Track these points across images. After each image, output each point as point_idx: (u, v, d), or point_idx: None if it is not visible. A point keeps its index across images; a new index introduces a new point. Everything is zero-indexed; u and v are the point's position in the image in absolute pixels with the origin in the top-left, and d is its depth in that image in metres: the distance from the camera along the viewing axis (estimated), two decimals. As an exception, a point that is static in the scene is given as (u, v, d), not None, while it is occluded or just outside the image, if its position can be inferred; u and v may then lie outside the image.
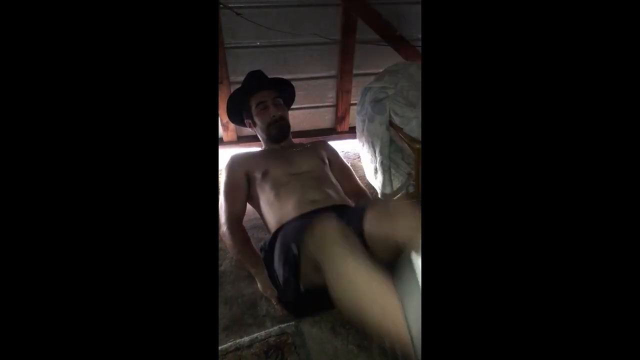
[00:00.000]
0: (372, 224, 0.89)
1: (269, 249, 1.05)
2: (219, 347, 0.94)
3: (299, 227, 0.89)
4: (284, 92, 1.48)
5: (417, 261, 0.72)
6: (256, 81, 1.41)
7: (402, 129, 1.39)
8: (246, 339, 0.96)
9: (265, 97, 1.37)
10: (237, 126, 1.83)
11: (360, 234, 0.89)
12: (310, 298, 0.90)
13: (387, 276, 0.72)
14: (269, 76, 1.45)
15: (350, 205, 1.19)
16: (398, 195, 1.54)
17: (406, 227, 0.80)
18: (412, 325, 0.65)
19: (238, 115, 1.47)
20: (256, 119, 1.38)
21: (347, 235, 0.78)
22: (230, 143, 1.87)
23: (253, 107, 1.38)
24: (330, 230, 0.79)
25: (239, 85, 1.48)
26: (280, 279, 0.97)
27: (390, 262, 0.80)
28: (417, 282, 0.69)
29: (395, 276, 0.74)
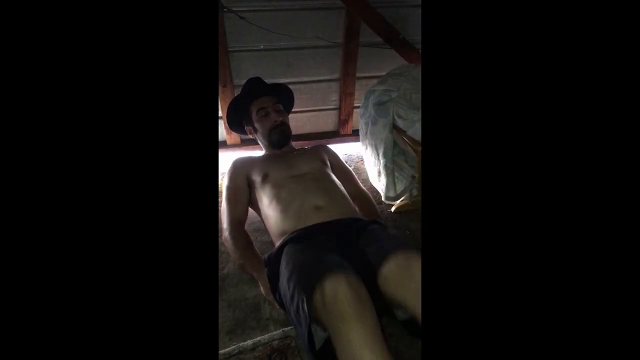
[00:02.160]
0: (386, 285, 0.85)
1: (274, 264, 1.00)
2: (222, 351, 0.94)
3: (309, 277, 0.81)
4: (284, 97, 1.48)
5: None
6: (256, 87, 1.41)
7: (405, 131, 1.39)
8: (249, 342, 0.96)
9: (265, 103, 1.37)
10: (240, 129, 1.85)
11: (373, 284, 0.85)
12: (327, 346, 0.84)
13: (392, 355, 0.71)
14: (273, 79, 1.46)
15: (355, 212, 1.17)
16: (402, 199, 1.54)
17: (420, 298, 0.76)
18: None
19: (238, 123, 1.47)
20: (257, 125, 1.39)
21: (358, 299, 0.74)
22: (234, 146, 1.88)
23: (254, 114, 1.39)
24: (340, 295, 0.73)
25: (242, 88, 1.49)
26: (296, 327, 0.90)
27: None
28: None
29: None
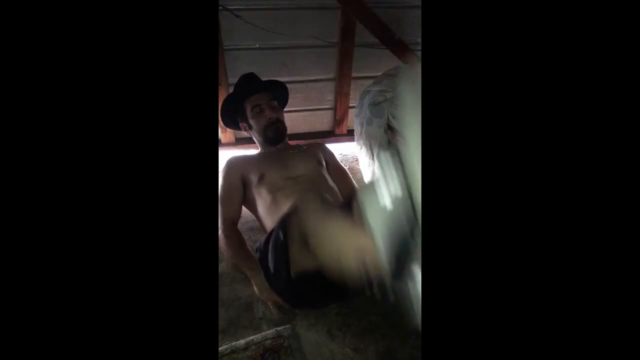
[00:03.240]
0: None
1: (264, 249, 1.04)
2: (215, 350, 0.93)
3: (285, 215, 0.92)
4: (278, 94, 1.47)
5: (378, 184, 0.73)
6: (250, 84, 1.40)
7: (400, 132, 1.39)
8: (242, 341, 0.96)
9: (260, 100, 1.37)
10: (235, 128, 1.84)
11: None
12: (302, 285, 0.92)
13: (363, 225, 0.75)
14: (268, 78, 1.45)
15: None
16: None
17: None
18: (377, 237, 0.67)
19: (232, 119, 1.46)
20: (252, 122, 1.38)
21: (325, 201, 0.84)
22: (228, 145, 1.87)
23: (248, 110, 1.38)
24: (311, 201, 0.84)
25: (237, 87, 1.48)
26: (271, 268, 0.98)
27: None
28: (379, 202, 0.70)
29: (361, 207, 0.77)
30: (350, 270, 0.73)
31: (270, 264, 0.99)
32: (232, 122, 1.48)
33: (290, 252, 0.90)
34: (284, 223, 0.91)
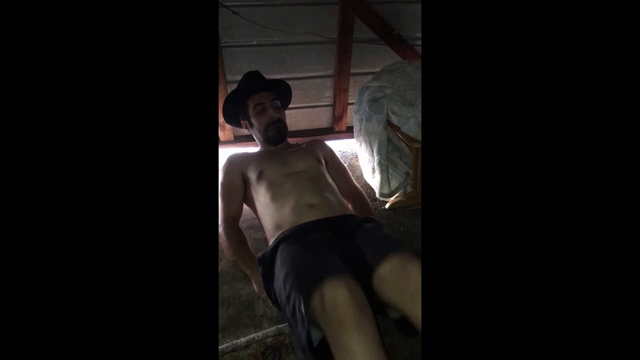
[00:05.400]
0: (382, 286, 0.85)
1: (268, 263, 0.99)
2: (216, 348, 0.93)
3: (307, 279, 0.81)
4: (282, 93, 1.46)
5: None
6: (254, 82, 1.39)
7: (399, 128, 1.39)
8: (243, 339, 0.96)
9: (263, 99, 1.36)
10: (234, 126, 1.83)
11: (369, 285, 0.86)
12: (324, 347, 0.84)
13: (388, 357, 0.71)
14: (266, 75, 1.44)
15: (348, 210, 1.17)
16: (396, 195, 1.54)
17: (414, 301, 0.77)
18: None
19: (234, 116, 1.45)
20: (253, 121, 1.37)
21: (358, 306, 0.73)
22: (227, 143, 1.86)
23: (250, 109, 1.37)
24: (340, 302, 0.73)
25: (235, 84, 1.47)
26: (291, 325, 0.90)
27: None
28: None
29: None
30: None
31: (289, 320, 0.88)
32: (234, 119, 1.47)
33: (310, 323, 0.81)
34: (306, 293, 0.78)
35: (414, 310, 0.77)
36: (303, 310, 0.76)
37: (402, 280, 0.81)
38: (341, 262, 0.86)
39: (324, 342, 0.79)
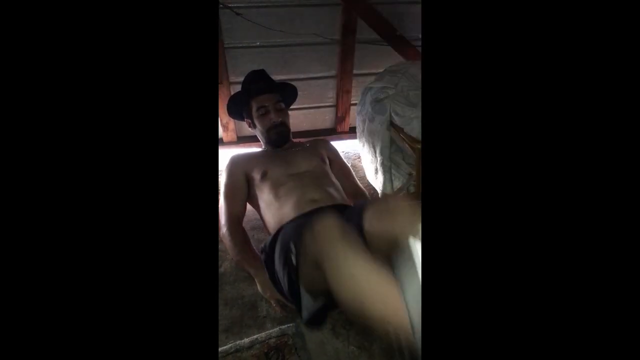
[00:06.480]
0: (371, 221, 0.88)
1: (269, 250, 1.04)
2: (220, 349, 0.93)
3: (298, 226, 0.88)
4: (286, 95, 1.46)
5: (415, 246, 0.72)
6: (259, 84, 1.39)
7: (402, 129, 1.39)
8: (246, 340, 0.96)
9: (267, 101, 1.36)
10: (237, 127, 1.84)
11: (359, 231, 0.88)
12: (312, 299, 0.89)
13: (386, 268, 0.72)
14: (272, 77, 1.44)
15: (350, 205, 1.18)
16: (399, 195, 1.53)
17: (405, 221, 0.79)
18: (413, 311, 0.65)
19: (238, 112, 1.46)
20: (256, 122, 1.38)
21: (347, 231, 0.77)
22: (230, 143, 1.87)
23: (254, 110, 1.37)
24: (329, 228, 0.78)
25: (238, 85, 1.48)
26: (282, 281, 0.96)
27: (389, 256, 0.79)
28: (415, 267, 0.69)
29: (394, 265, 0.75)
30: (374, 321, 0.70)
31: (279, 275, 0.97)
32: (238, 115, 1.47)
33: (300, 271, 0.87)
34: (296, 238, 0.86)
35: (410, 228, 0.77)
36: (293, 250, 0.81)
37: (391, 210, 0.85)
38: None
39: (319, 311, 0.84)
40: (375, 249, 0.85)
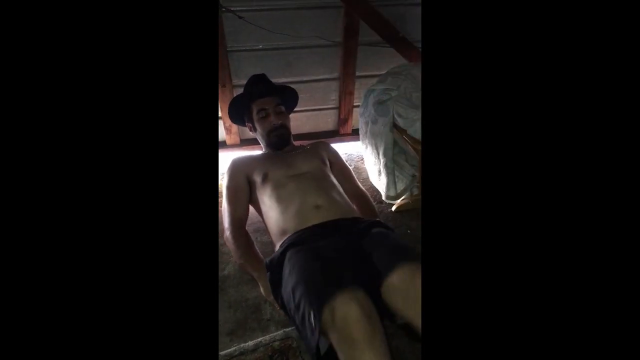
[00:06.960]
0: (390, 295, 0.86)
1: (277, 268, 0.99)
2: (223, 352, 0.93)
3: (317, 292, 0.80)
4: (287, 98, 1.47)
5: None
6: (258, 87, 1.40)
7: (405, 130, 1.38)
8: (250, 343, 0.96)
9: (267, 105, 1.36)
10: (240, 129, 1.84)
11: (377, 292, 0.86)
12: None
13: None
14: (272, 79, 1.44)
15: (355, 212, 1.17)
16: (403, 198, 1.53)
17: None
18: None
19: (239, 117, 1.47)
20: (257, 125, 1.39)
21: (369, 322, 0.73)
22: (233, 146, 1.88)
23: (254, 113, 1.38)
24: (351, 318, 0.73)
25: (241, 88, 1.48)
26: (299, 330, 0.91)
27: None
28: None
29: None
30: None
31: (299, 328, 0.89)
32: (239, 119, 1.48)
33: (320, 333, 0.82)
34: (316, 308, 0.78)
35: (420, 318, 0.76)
36: (313, 322, 0.76)
37: (411, 291, 0.81)
38: (351, 272, 0.86)
39: (331, 349, 0.79)
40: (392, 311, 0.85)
